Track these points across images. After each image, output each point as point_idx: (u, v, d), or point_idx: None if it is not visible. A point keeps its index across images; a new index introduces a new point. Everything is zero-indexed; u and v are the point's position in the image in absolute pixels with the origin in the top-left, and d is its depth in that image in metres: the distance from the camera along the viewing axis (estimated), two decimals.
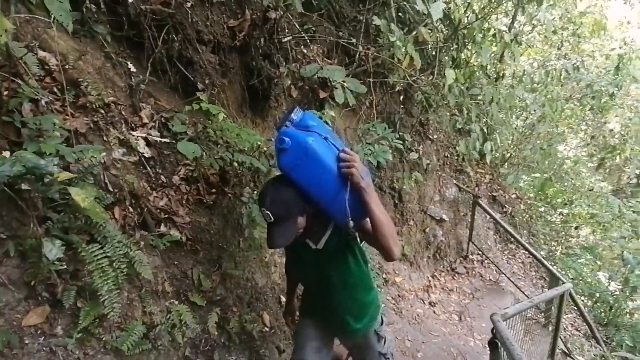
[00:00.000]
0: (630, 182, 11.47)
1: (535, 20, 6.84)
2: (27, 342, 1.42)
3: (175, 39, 2.29)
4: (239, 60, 2.73)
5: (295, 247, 1.65)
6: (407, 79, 4.23)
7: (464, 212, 6.12)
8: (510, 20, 6.92)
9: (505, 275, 5.69)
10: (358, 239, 1.73)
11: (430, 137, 5.55)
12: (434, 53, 4.87)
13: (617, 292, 6.57)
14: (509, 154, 8.36)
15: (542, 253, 6.88)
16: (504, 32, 5.71)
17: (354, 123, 4.18)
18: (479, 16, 5.48)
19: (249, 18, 2.64)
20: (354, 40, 3.88)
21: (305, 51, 3.50)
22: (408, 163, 5.02)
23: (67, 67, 1.79)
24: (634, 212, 7.20)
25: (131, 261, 1.70)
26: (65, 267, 1.52)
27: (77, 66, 1.86)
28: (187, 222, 2.14)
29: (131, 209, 1.89)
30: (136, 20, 2.15)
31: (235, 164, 2.36)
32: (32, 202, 1.46)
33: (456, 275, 5.62)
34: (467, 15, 5.41)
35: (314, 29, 3.61)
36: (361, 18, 4.02)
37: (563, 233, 8.65)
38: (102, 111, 1.88)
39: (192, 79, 2.40)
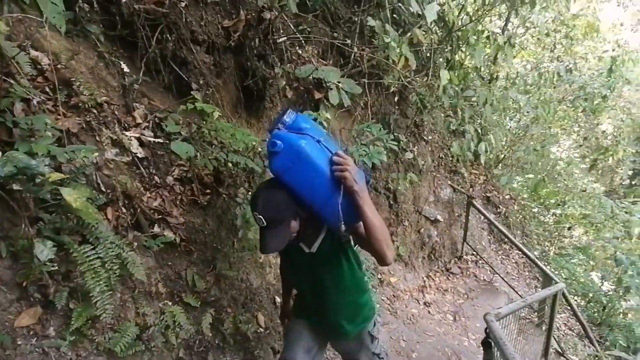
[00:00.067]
0: (623, 183, 11.59)
1: (528, 23, 6.88)
2: (19, 343, 1.41)
3: (169, 38, 2.28)
4: (234, 60, 2.72)
5: (289, 250, 1.63)
6: (402, 80, 4.24)
7: (459, 213, 6.15)
8: (504, 22, 6.96)
9: (499, 276, 5.72)
10: (352, 242, 1.72)
11: (424, 138, 5.57)
12: (428, 55, 4.89)
13: (611, 292, 6.62)
14: (502, 155, 8.42)
15: (535, 253, 6.92)
16: (497, 35, 5.75)
17: (349, 124, 4.19)
18: (473, 18, 5.51)
19: (244, 18, 2.64)
20: (349, 41, 3.89)
21: (300, 52, 3.50)
22: (403, 164, 5.03)
23: (59, 66, 1.78)
24: (626, 212, 7.26)
25: (124, 262, 1.69)
26: (57, 268, 1.51)
27: (70, 66, 1.85)
28: (181, 223, 2.14)
29: (124, 210, 1.88)
30: (129, 20, 2.14)
31: (230, 165, 2.36)
32: (23, 202, 1.45)
33: (451, 275, 5.65)
34: (461, 17, 5.44)
35: (309, 29, 3.62)
36: (356, 19, 4.03)
37: (556, 233, 8.71)
38: (95, 111, 1.87)
39: (186, 79, 2.39)
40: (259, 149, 2.48)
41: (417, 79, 4.68)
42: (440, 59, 5.40)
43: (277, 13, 2.77)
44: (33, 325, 1.46)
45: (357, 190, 1.39)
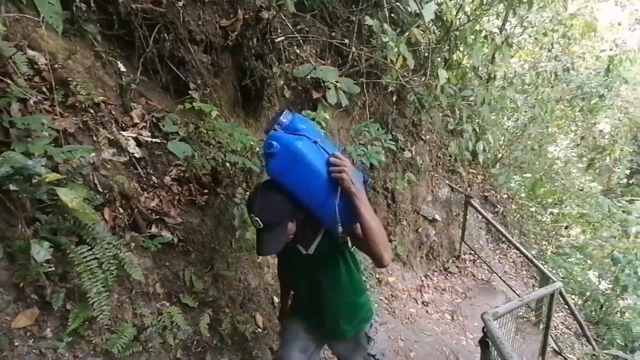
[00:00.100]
0: (620, 182, 11.62)
1: (526, 22, 6.88)
2: (17, 344, 1.40)
3: (167, 38, 2.27)
4: (232, 60, 2.72)
5: (286, 252, 1.62)
6: (400, 80, 4.24)
7: (457, 212, 6.16)
8: (502, 22, 6.97)
9: (497, 275, 5.74)
10: (349, 244, 1.71)
11: (422, 137, 5.58)
12: (426, 54, 4.89)
13: (608, 291, 6.64)
14: (500, 155, 8.44)
15: (533, 252, 6.95)
16: (495, 34, 5.74)
17: (347, 124, 4.19)
18: (471, 18, 5.52)
19: (242, 18, 2.64)
20: (346, 41, 3.89)
21: (298, 51, 3.50)
22: (401, 163, 5.04)
23: (56, 66, 1.78)
24: (623, 211, 7.28)
25: (121, 263, 1.68)
26: (53, 269, 1.50)
27: (67, 65, 1.84)
28: (178, 223, 2.13)
29: (121, 210, 1.87)
30: (127, 19, 2.14)
31: (228, 165, 2.35)
32: (20, 203, 1.44)
33: (449, 274, 5.66)
34: (459, 17, 5.44)
35: (306, 29, 3.62)
36: (354, 19, 4.03)
37: (553, 232, 8.75)
38: (92, 111, 1.87)
39: (184, 78, 2.39)
40: (257, 149, 2.48)
41: (415, 78, 4.69)
42: (438, 59, 5.40)
43: (275, 12, 2.77)
44: (30, 326, 1.45)
45: (354, 191, 1.37)
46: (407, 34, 3.83)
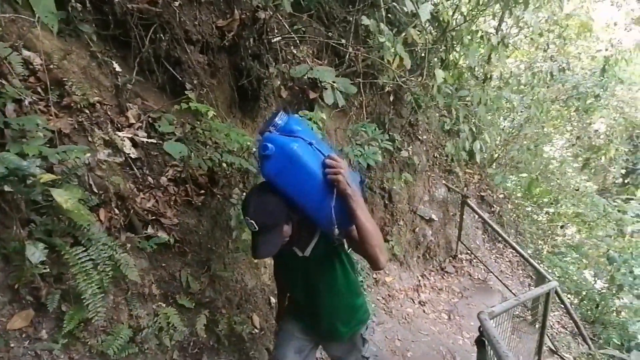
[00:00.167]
0: (616, 181, 11.68)
1: (522, 23, 6.91)
2: (12, 345, 1.40)
3: (163, 38, 2.26)
4: (228, 60, 2.71)
5: (282, 254, 1.61)
6: (397, 80, 4.25)
7: (453, 212, 6.17)
8: (498, 22, 7.00)
9: (494, 274, 5.76)
10: (345, 246, 1.70)
11: (419, 137, 5.59)
12: (423, 54, 4.90)
13: (604, 290, 6.67)
14: (496, 155, 8.47)
15: (528, 252, 6.97)
16: (491, 35, 5.76)
17: (344, 124, 4.19)
18: (467, 18, 5.54)
19: (238, 18, 2.63)
20: (343, 41, 3.89)
21: (295, 52, 3.49)
22: (398, 163, 5.05)
23: (51, 66, 1.77)
24: (619, 211, 7.32)
25: (117, 264, 1.68)
26: (48, 270, 1.49)
27: (62, 66, 1.83)
28: (175, 224, 2.12)
29: (117, 211, 1.86)
30: (122, 20, 2.13)
31: (224, 165, 2.35)
32: (15, 204, 1.43)
33: (445, 274, 5.67)
34: (455, 17, 5.46)
35: (303, 29, 3.61)
36: (351, 19, 4.03)
37: (549, 232, 8.78)
38: (87, 111, 1.86)
39: (180, 79, 2.38)
40: (254, 149, 2.47)
41: (412, 78, 4.70)
42: (435, 59, 5.42)
43: (271, 13, 2.76)
44: (25, 327, 1.45)
45: (350, 193, 1.36)
46: (403, 34, 3.84)
